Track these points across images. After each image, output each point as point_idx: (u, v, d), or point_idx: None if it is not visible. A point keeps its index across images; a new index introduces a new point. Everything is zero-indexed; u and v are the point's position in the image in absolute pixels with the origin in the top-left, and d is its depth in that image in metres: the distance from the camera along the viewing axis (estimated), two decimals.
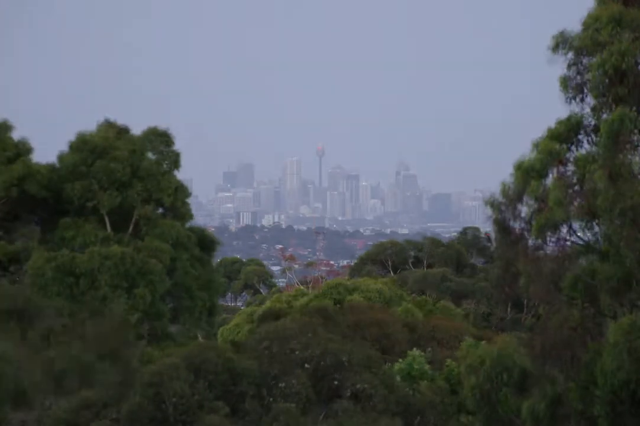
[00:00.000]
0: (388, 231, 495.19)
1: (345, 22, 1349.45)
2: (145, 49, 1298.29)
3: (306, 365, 42.75)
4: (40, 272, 47.99)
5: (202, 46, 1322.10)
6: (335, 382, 43.10)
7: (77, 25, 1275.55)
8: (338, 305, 56.82)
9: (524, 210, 29.35)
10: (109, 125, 52.02)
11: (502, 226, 29.87)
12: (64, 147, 51.58)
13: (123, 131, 52.13)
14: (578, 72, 28.66)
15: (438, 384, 47.03)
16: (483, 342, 47.31)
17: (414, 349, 50.01)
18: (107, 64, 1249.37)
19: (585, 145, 29.10)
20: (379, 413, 43.35)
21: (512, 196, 29.29)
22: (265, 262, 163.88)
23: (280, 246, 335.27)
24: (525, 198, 29.16)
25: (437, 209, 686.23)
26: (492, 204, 29.82)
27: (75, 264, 48.05)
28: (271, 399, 42.08)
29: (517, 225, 29.64)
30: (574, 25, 28.69)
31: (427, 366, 49.18)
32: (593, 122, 28.82)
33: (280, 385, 42.12)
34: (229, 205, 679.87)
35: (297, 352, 42.89)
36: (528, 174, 28.87)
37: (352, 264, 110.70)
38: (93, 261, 47.96)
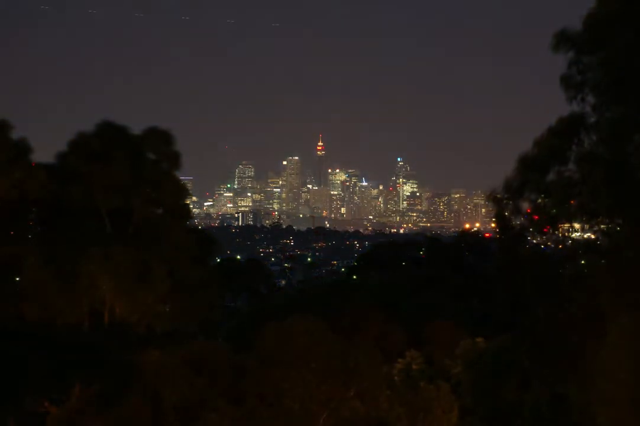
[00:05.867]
0: (388, 231, 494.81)
1: (343, 22, 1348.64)
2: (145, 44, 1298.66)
3: (312, 365, 42.78)
4: (39, 273, 47.94)
5: (203, 45, 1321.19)
6: (340, 382, 43.15)
7: None
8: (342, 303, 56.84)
9: (525, 206, 29.33)
10: (108, 125, 51.86)
11: (502, 222, 29.83)
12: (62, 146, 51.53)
13: (123, 131, 51.97)
14: (579, 71, 28.52)
15: (437, 384, 47.07)
16: (481, 340, 47.40)
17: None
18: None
19: (587, 143, 29.02)
20: (383, 412, 43.49)
21: (513, 191, 29.24)
22: (265, 262, 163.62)
23: (281, 246, 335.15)
24: (526, 194, 29.12)
25: (437, 209, 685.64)
26: (494, 199, 29.76)
27: (75, 265, 47.98)
28: (275, 398, 42.12)
29: (517, 221, 29.61)
30: (575, 24, 28.56)
31: (425, 366, 49.28)
32: (594, 121, 28.71)
33: (284, 384, 42.15)
34: (229, 205, 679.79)
35: (302, 351, 42.90)
36: (530, 169, 28.83)
37: (352, 264, 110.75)
38: (93, 262, 47.90)
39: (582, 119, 28.68)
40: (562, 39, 28.52)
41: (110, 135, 51.14)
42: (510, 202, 29.34)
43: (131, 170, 50.50)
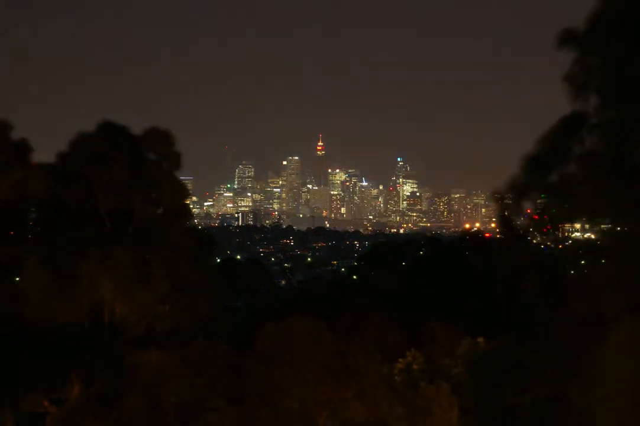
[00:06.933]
0: (388, 231, 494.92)
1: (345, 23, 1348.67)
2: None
3: (311, 365, 42.80)
4: (38, 274, 47.85)
5: (206, 46, 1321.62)
6: (340, 382, 43.15)
7: None
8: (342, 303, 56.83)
9: (526, 206, 29.31)
10: (108, 125, 51.73)
11: (505, 222, 29.82)
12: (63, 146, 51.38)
13: (123, 131, 51.84)
14: (582, 70, 28.40)
15: (437, 384, 47.06)
16: (481, 340, 47.40)
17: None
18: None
19: (588, 143, 28.95)
20: (383, 412, 43.46)
21: (514, 191, 29.23)
22: (265, 262, 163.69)
23: (281, 246, 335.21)
24: (527, 193, 29.09)
25: (437, 209, 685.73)
26: (496, 199, 29.75)
27: (75, 265, 47.89)
28: (274, 398, 42.12)
29: (520, 221, 29.60)
30: (578, 23, 28.45)
31: (425, 366, 49.28)
32: (597, 120, 28.64)
33: (283, 384, 42.15)
34: (229, 205, 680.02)
35: (302, 351, 42.93)
36: (531, 169, 28.80)
37: (352, 264, 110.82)
38: (93, 262, 47.80)
39: (584, 118, 28.59)
40: (566, 38, 28.37)
41: (110, 135, 51.04)
42: (512, 202, 29.34)
43: (131, 170, 50.41)
